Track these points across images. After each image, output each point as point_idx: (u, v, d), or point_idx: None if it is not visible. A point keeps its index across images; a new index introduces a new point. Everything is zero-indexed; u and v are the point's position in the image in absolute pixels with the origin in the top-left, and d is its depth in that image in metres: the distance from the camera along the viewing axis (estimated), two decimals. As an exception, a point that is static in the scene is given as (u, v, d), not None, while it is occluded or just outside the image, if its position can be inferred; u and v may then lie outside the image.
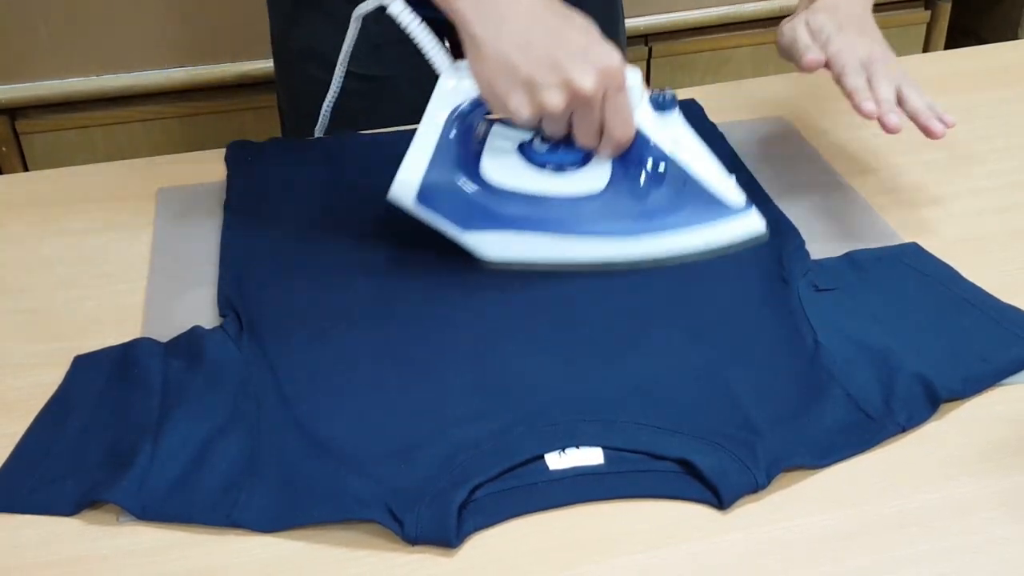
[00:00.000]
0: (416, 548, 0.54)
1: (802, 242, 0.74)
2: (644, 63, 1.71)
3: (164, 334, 0.68)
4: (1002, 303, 0.68)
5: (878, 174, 0.85)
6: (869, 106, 0.72)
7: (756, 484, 0.56)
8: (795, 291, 0.69)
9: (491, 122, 0.74)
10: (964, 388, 0.62)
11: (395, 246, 0.76)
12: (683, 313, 0.68)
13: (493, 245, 0.72)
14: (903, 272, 0.71)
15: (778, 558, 0.53)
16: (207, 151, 0.91)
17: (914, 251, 0.74)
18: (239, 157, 0.88)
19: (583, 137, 0.70)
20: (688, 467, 0.57)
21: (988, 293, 0.69)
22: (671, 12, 1.67)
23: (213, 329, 0.67)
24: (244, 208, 0.81)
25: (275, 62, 1.06)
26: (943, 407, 0.61)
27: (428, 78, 0.73)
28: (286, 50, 1.02)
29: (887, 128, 0.72)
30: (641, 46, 1.69)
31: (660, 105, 0.71)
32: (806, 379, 0.62)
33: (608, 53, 0.67)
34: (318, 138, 0.92)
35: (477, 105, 0.71)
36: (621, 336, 0.66)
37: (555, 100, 0.66)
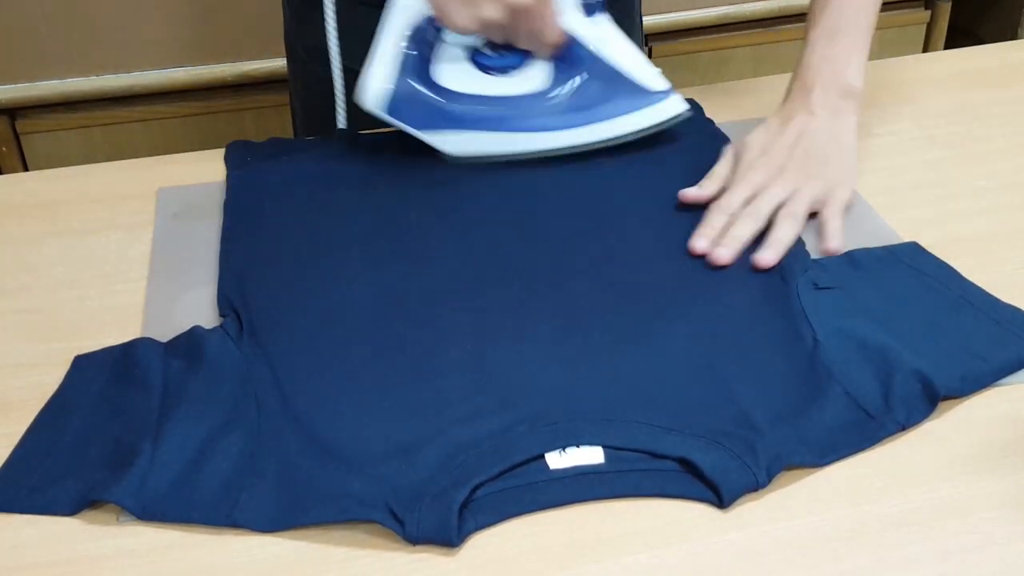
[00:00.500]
0: (417, 548, 0.54)
1: (802, 241, 0.74)
2: (644, 63, 1.71)
3: (164, 334, 0.68)
4: (1001, 303, 0.68)
5: (878, 174, 0.85)
6: (696, 243, 0.74)
7: (756, 483, 0.56)
8: (795, 290, 0.69)
9: (441, 33, 0.82)
10: (963, 387, 0.62)
11: (395, 246, 0.76)
12: (683, 312, 0.69)
13: (453, 143, 0.83)
14: (903, 271, 0.72)
15: (778, 557, 0.53)
16: (207, 151, 0.91)
17: (914, 250, 0.74)
18: (239, 157, 0.88)
19: (521, 42, 0.80)
20: (688, 466, 0.57)
21: (988, 293, 0.69)
22: (671, 12, 1.67)
23: (213, 329, 0.67)
24: (244, 208, 0.81)
25: (288, 60, 1.06)
26: (942, 407, 0.61)
27: None
28: (296, 48, 1.03)
29: (713, 260, 0.73)
30: (641, 46, 1.69)
31: (589, 9, 0.81)
32: (806, 377, 0.62)
33: None
34: (318, 138, 0.93)
35: (431, 20, 0.80)
36: (621, 335, 0.67)
37: (492, 13, 0.76)
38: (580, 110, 0.83)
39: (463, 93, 0.82)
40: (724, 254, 0.72)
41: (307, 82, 1.03)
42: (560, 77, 0.82)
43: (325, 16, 0.87)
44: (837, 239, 0.74)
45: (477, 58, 0.83)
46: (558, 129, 0.83)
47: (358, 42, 0.83)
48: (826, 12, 0.84)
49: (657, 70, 0.83)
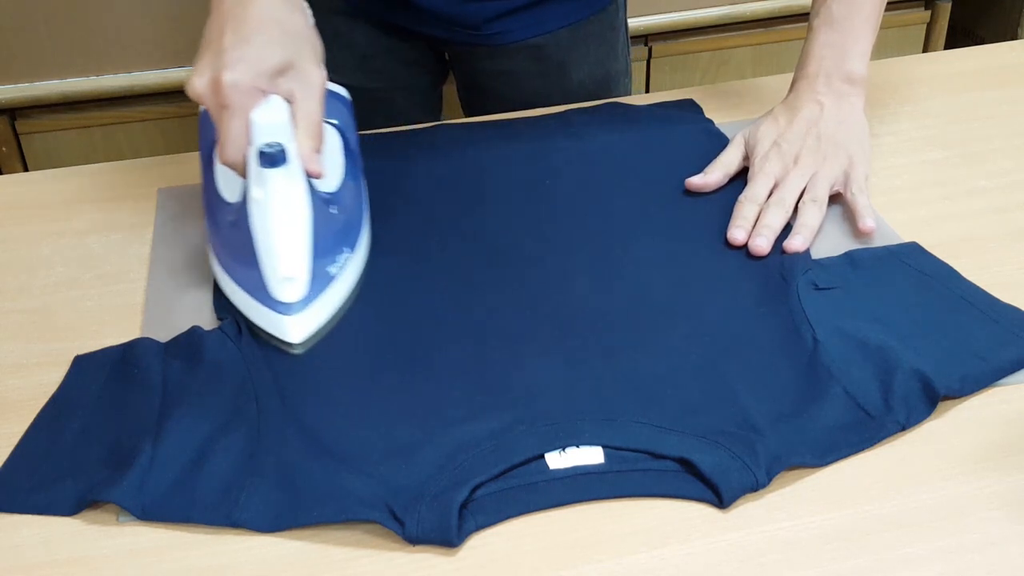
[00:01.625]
0: (417, 548, 0.54)
1: (802, 242, 0.75)
2: (644, 63, 1.71)
3: (164, 334, 0.68)
4: (1001, 303, 0.68)
5: (878, 174, 0.85)
6: (736, 235, 0.75)
7: (756, 483, 0.56)
8: (795, 290, 0.69)
9: None
10: (962, 387, 0.62)
11: (394, 245, 0.76)
12: (683, 312, 0.69)
13: None
14: (903, 271, 0.72)
15: (778, 557, 0.53)
16: (207, 151, 0.91)
17: (914, 250, 0.74)
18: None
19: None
20: (688, 466, 0.57)
21: (987, 293, 0.69)
22: (671, 12, 1.67)
23: (212, 329, 0.67)
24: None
25: None
26: (942, 407, 0.61)
27: (418, 89, 0.73)
28: None
29: (752, 250, 0.74)
30: (641, 46, 1.69)
31: (269, 160, 0.64)
32: (806, 377, 0.62)
33: (238, 68, 0.64)
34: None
35: None
36: (621, 335, 0.67)
37: (192, 86, 0.66)
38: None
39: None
40: (762, 243, 0.73)
41: None
42: None
43: None
44: (869, 216, 0.75)
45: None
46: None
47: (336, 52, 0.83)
48: (828, 0, 0.84)
49: (296, 279, 0.66)
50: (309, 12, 0.71)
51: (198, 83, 0.65)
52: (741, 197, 0.78)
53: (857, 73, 0.82)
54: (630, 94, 1.09)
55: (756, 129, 0.83)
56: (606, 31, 1.03)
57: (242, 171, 0.66)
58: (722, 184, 0.81)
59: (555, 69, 1.01)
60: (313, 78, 0.68)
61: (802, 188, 0.78)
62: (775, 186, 0.78)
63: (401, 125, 0.87)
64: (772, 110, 0.84)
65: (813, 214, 0.76)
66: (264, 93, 0.66)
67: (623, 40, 1.07)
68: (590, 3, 1.00)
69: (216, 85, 0.65)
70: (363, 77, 0.82)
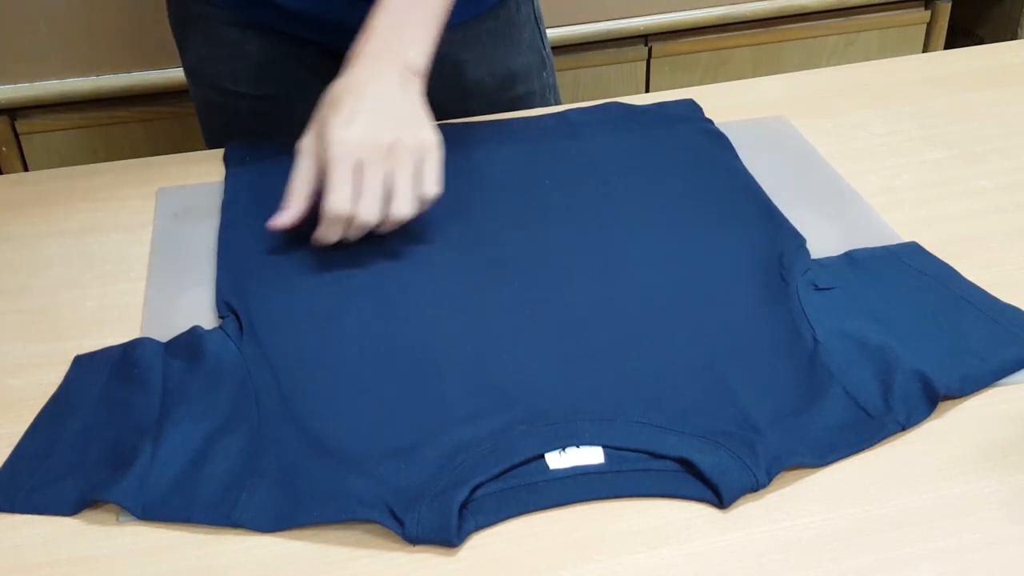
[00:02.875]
0: (417, 548, 0.54)
1: (802, 241, 0.74)
2: (644, 63, 1.71)
3: (164, 334, 0.68)
4: (1001, 303, 0.68)
5: (878, 174, 0.85)
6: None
7: (757, 483, 0.56)
8: (794, 290, 0.69)
9: None
10: (963, 387, 0.62)
11: (394, 245, 0.76)
12: (683, 312, 0.69)
13: None
14: (902, 271, 0.72)
15: (778, 558, 0.53)
16: (206, 151, 0.91)
17: (914, 250, 0.74)
18: (238, 157, 0.88)
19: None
20: (688, 466, 0.57)
21: (987, 293, 0.69)
22: (671, 12, 1.67)
23: (213, 329, 0.67)
24: (242, 208, 0.81)
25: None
26: (942, 407, 0.61)
27: (317, 94, 0.72)
28: (183, 67, 1.04)
29: None
30: (641, 46, 1.69)
31: None
32: (806, 378, 0.62)
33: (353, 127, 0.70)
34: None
35: None
36: (621, 335, 0.67)
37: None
38: None
39: None
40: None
41: (194, 100, 1.04)
42: None
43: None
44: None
45: None
46: None
47: (232, 63, 0.83)
48: None
49: None
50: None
51: (303, 142, 0.70)
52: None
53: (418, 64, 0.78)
54: (555, 88, 1.08)
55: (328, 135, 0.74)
56: (504, 27, 1.02)
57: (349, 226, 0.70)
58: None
59: (449, 69, 0.99)
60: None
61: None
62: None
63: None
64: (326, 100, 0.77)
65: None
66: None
67: (530, 36, 1.05)
68: (477, 2, 0.99)
69: (328, 142, 0.68)
70: (263, 85, 0.82)
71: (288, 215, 0.73)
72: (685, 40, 1.72)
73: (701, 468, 0.56)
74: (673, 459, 0.57)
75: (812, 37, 1.75)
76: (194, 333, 0.67)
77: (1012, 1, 1.89)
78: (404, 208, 0.72)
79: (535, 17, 1.06)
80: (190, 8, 0.96)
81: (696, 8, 1.68)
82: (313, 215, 0.74)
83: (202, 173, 0.87)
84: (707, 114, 0.93)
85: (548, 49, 1.08)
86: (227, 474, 0.57)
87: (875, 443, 0.59)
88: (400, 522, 0.54)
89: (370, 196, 0.71)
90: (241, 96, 0.94)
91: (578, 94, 1.69)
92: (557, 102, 1.07)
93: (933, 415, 0.60)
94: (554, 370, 0.64)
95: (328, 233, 0.72)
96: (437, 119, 0.78)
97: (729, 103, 0.95)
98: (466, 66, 1.01)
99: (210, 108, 1.00)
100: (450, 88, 1.00)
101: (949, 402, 0.61)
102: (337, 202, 0.71)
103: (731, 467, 0.56)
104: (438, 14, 0.79)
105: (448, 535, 0.53)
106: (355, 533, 0.55)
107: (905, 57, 1.06)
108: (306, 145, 0.74)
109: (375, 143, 0.72)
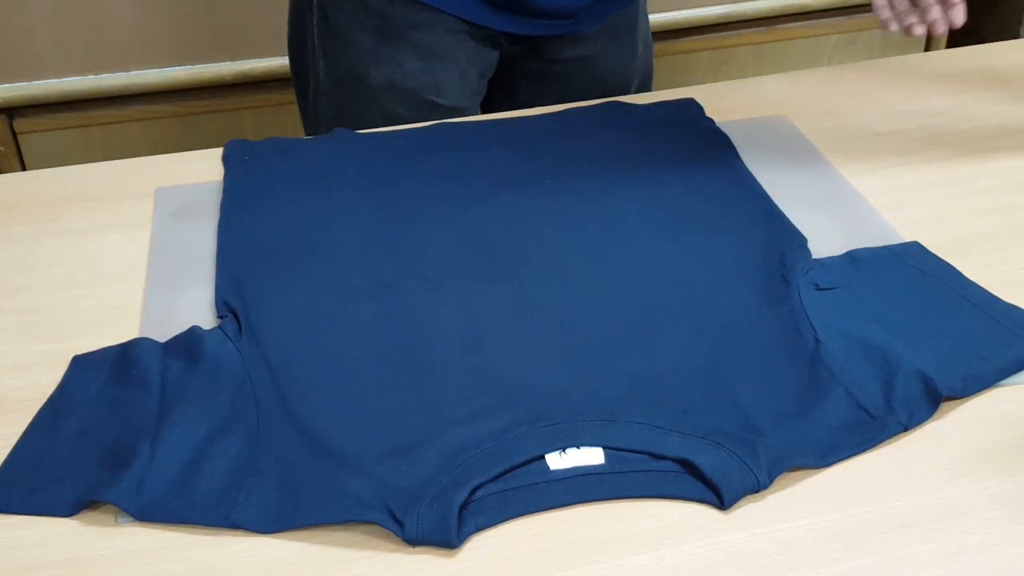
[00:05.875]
0: (416, 549, 0.53)
1: (803, 241, 0.74)
2: (644, 62, 1.71)
3: (162, 334, 0.67)
4: (1002, 302, 0.68)
5: (878, 173, 0.84)
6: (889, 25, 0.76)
7: (758, 484, 0.55)
8: (796, 290, 0.69)
9: None
10: (964, 387, 0.62)
11: (394, 245, 0.76)
12: (683, 312, 0.68)
13: None
14: (904, 271, 0.71)
15: (779, 558, 0.53)
16: (205, 150, 0.90)
17: (915, 250, 0.74)
18: (237, 156, 0.88)
19: None
20: (689, 467, 0.56)
21: (989, 292, 0.69)
22: (671, 12, 1.67)
23: (212, 329, 0.67)
24: (242, 207, 0.81)
25: (322, 79, 1.02)
26: (944, 407, 0.61)
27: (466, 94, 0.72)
28: (353, 79, 0.99)
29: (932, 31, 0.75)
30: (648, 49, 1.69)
31: None
32: (807, 378, 0.62)
33: None
34: (316, 137, 0.92)
35: None
36: (621, 335, 0.66)
37: None
38: None
39: None
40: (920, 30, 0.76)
41: (368, 115, 0.98)
42: None
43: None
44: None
45: None
46: None
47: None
48: None
49: None
50: None
51: None
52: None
53: None
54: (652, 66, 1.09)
55: None
56: (632, 22, 1.04)
57: None
58: None
59: (627, 45, 1.01)
60: None
61: None
62: None
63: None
64: None
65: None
66: None
67: (643, 29, 1.08)
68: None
69: None
70: (427, 74, 0.83)
71: None
72: (686, 39, 1.72)
73: (702, 469, 0.56)
74: (674, 460, 0.57)
75: (813, 36, 1.75)
76: (193, 333, 0.67)
77: (1014, 1, 1.89)
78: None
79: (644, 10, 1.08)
80: (385, 11, 0.92)
81: (697, 7, 1.68)
82: (314, 206, 0.74)
83: (201, 172, 0.87)
84: (708, 113, 0.93)
85: (649, 37, 1.09)
86: (226, 475, 0.57)
87: (877, 444, 0.58)
88: (400, 523, 0.53)
89: None
90: (441, 108, 0.94)
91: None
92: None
93: (935, 416, 0.60)
94: (555, 370, 0.63)
95: None
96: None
97: (730, 102, 0.95)
98: (635, 40, 1.02)
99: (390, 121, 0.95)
100: (624, 66, 1.02)
101: (951, 403, 0.61)
102: None
103: (732, 468, 0.56)
104: None
105: (448, 536, 0.53)
106: (354, 534, 0.54)
107: (907, 56, 1.06)
108: None
109: None
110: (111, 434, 0.60)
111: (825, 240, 0.75)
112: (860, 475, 0.57)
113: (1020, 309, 0.68)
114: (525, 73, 1.05)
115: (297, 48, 1.03)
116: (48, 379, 0.65)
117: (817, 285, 0.70)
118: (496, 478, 0.56)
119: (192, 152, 0.91)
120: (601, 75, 1.02)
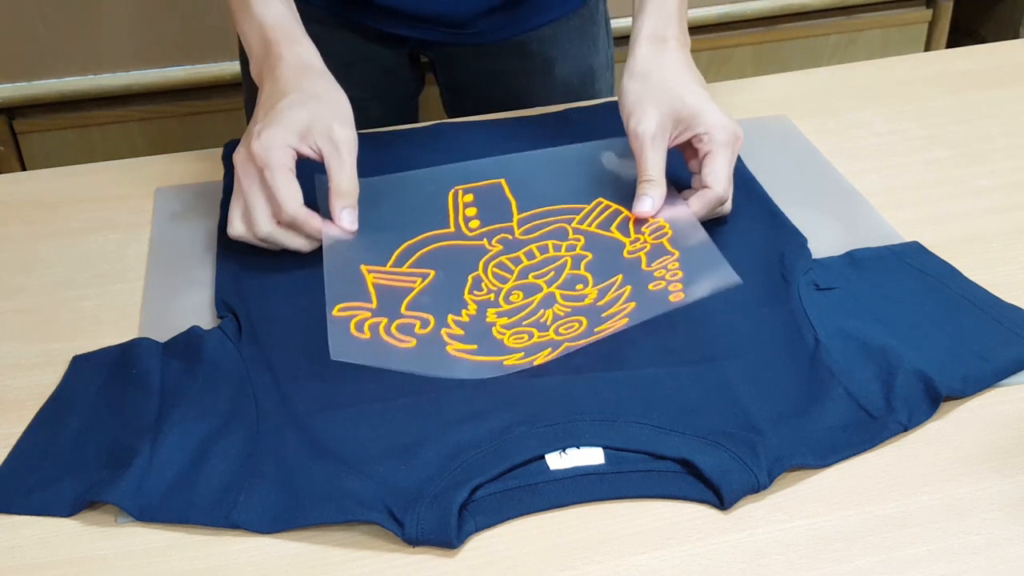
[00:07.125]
0: (416, 549, 0.53)
1: (804, 241, 0.74)
2: (644, 62, 1.71)
3: (162, 334, 0.67)
4: (1003, 302, 0.68)
5: (878, 173, 0.84)
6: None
7: (758, 484, 0.55)
8: (796, 290, 0.69)
9: None
10: (964, 387, 0.62)
11: (394, 244, 0.75)
12: (683, 312, 0.68)
13: None
14: (904, 271, 0.71)
15: (779, 558, 0.53)
16: (205, 150, 0.91)
17: (915, 250, 0.74)
18: (237, 156, 0.88)
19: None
20: (689, 467, 0.56)
21: (989, 292, 0.69)
22: (670, 11, 1.67)
23: (211, 329, 0.67)
24: (243, 207, 0.81)
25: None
26: (944, 407, 0.61)
27: (395, 99, 0.73)
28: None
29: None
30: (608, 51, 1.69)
31: None
32: (807, 378, 0.62)
33: (265, 134, 0.71)
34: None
35: None
36: (621, 335, 0.66)
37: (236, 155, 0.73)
38: None
39: None
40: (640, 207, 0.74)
41: None
42: None
43: None
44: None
45: None
46: None
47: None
48: None
49: None
50: (331, 77, 0.77)
51: (236, 157, 0.72)
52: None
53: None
54: (612, 89, 1.08)
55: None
56: (587, 26, 1.03)
57: (300, 227, 0.71)
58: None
59: (540, 66, 1.00)
60: (338, 136, 0.73)
61: None
62: None
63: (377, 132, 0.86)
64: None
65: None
66: (295, 151, 0.71)
67: (604, 35, 1.07)
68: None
69: (251, 155, 0.71)
70: (344, 85, 0.82)
71: None
72: (685, 39, 1.71)
73: (702, 469, 0.56)
74: (674, 460, 0.57)
75: (813, 36, 1.75)
76: (192, 333, 0.67)
77: (1013, 1, 1.89)
78: None
79: (607, 18, 1.07)
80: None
81: (696, 7, 1.68)
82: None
83: (200, 172, 0.87)
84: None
85: (612, 49, 1.09)
86: (225, 475, 0.57)
87: (877, 444, 0.58)
88: (399, 523, 0.53)
89: None
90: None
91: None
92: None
93: (935, 416, 0.60)
94: (554, 370, 0.63)
95: None
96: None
97: (730, 102, 0.95)
98: (554, 64, 1.02)
99: None
100: (536, 86, 1.01)
101: (951, 403, 0.61)
102: None
103: (732, 468, 0.56)
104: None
105: (448, 536, 0.53)
106: (354, 534, 0.54)
107: (907, 56, 1.06)
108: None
109: None
110: (111, 434, 0.60)
111: (825, 240, 0.75)
112: (861, 475, 0.57)
113: (1020, 309, 0.68)
114: (444, 85, 1.07)
115: None
116: (48, 379, 0.65)
117: (817, 285, 0.69)
118: (496, 478, 0.56)
119: (191, 152, 0.91)
120: (506, 93, 1.02)
